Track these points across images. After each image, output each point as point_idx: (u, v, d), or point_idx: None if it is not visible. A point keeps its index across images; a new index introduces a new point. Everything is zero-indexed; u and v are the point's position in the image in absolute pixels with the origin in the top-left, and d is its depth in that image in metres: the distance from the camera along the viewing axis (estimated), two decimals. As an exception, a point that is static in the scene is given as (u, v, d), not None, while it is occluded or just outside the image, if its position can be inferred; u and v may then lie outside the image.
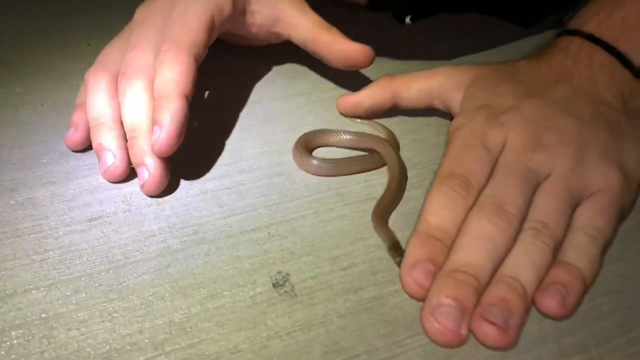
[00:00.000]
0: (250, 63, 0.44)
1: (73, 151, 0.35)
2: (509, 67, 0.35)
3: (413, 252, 0.27)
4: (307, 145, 0.35)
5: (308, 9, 0.38)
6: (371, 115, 0.37)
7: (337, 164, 0.33)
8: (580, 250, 0.27)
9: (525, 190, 0.28)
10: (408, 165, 0.34)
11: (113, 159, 0.32)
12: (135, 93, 0.32)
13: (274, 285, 0.27)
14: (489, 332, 0.24)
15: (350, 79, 0.41)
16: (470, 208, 0.28)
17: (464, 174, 0.29)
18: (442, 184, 0.29)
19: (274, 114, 0.38)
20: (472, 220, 0.27)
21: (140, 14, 0.35)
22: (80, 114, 0.35)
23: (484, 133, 0.30)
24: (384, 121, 0.38)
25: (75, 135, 0.35)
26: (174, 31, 0.32)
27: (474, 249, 0.26)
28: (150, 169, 0.31)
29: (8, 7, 0.54)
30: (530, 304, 0.26)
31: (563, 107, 0.32)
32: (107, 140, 0.33)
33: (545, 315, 0.26)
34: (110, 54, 0.35)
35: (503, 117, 0.31)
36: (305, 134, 0.35)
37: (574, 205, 0.29)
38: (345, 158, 0.34)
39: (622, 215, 0.30)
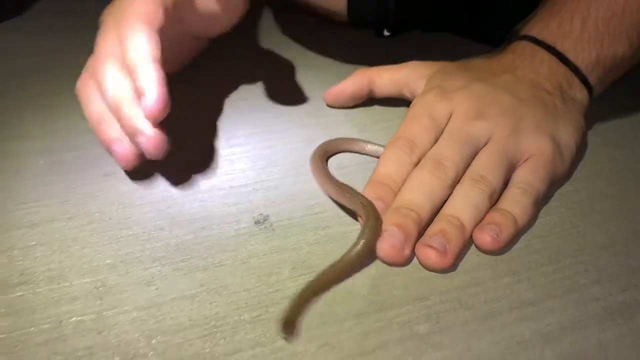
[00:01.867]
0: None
1: (131, 168, 0.34)
2: (466, 63, 0.42)
3: (367, 192, 0.32)
4: (325, 153, 0.37)
5: None
6: (352, 102, 0.43)
7: (337, 189, 0.33)
8: (513, 200, 0.33)
9: (464, 152, 0.34)
10: (379, 141, 0.40)
11: (122, 146, 0.33)
12: (111, 74, 0.33)
13: (255, 222, 0.32)
14: (430, 255, 0.29)
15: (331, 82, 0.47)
16: (414, 165, 0.34)
17: (409, 137, 0.35)
18: (391, 146, 0.35)
19: (263, 106, 0.44)
20: (415, 172, 0.33)
21: (104, 17, 0.36)
22: (106, 127, 0.34)
23: (432, 106, 0.36)
24: (363, 112, 0.43)
25: (122, 147, 0.33)
26: (127, 12, 0.33)
27: (415, 191, 0.32)
28: (147, 131, 0.31)
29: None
30: (468, 238, 0.31)
31: (506, 89, 0.37)
32: (111, 132, 0.33)
33: (481, 250, 0.31)
34: (91, 61, 0.35)
35: (451, 94, 0.37)
36: (324, 142, 0.38)
37: (510, 166, 0.34)
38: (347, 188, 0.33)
39: (553, 177, 0.35)
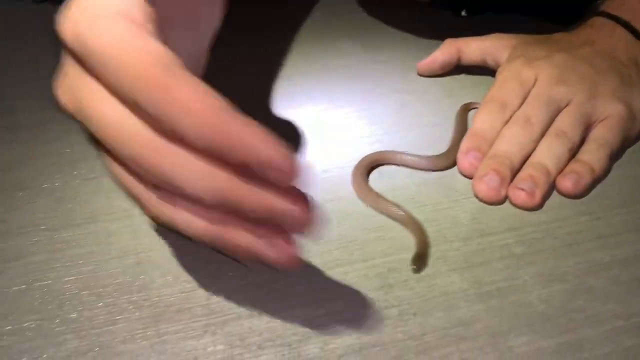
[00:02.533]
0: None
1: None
2: (546, 36, 0.46)
3: (465, 144, 0.38)
4: (366, 167, 0.38)
5: None
6: (442, 70, 0.48)
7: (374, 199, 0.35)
8: (591, 153, 0.38)
9: (548, 112, 0.39)
10: (457, 108, 0.45)
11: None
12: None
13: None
14: (520, 195, 0.35)
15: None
16: (506, 123, 0.39)
17: (501, 99, 0.40)
18: (485, 106, 0.40)
19: (361, 74, 0.50)
20: (507, 127, 0.39)
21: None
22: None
23: (519, 72, 0.41)
24: (450, 79, 0.49)
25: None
26: None
27: (508, 143, 0.37)
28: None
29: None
30: (552, 182, 0.36)
31: (585, 59, 0.42)
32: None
33: (563, 194, 0.36)
34: None
35: (536, 62, 0.42)
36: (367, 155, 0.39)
37: (587, 125, 0.39)
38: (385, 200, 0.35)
39: (626, 136, 0.40)
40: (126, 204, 0.35)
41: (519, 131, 0.38)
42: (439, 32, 0.55)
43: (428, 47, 0.50)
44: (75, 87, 0.24)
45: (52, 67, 0.27)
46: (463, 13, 0.57)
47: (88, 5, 0.23)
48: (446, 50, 0.48)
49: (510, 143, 0.37)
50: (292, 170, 0.22)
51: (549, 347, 0.27)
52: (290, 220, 0.23)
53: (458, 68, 0.49)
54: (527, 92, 0.41)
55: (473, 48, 0.48)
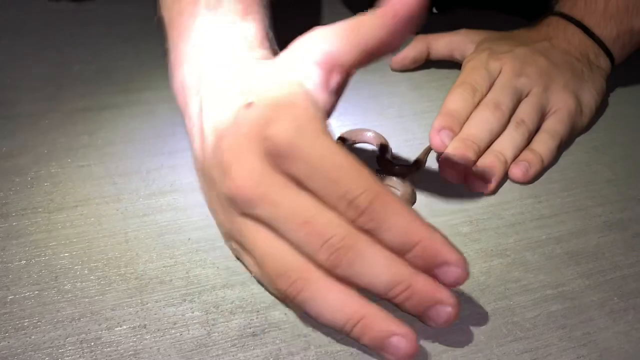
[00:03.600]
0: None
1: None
2: (508, 33, 0.50)
3: (439, 122, 0.42)
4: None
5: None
6: (414, 65, 0.52)
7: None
8: (542, 142, 0.42)
9: (513, 99, 0.43)
10: (431, 97, 0.49)
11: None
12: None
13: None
14: (477, 182, 0.39)
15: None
16: (475, 105, 0.43)
17: (472, 83, 0.44)
18: (457, 88, 0.44)
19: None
20: (479, 110, 0.42)
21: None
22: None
23: (486, 62, 0.45)
24: (419, 73, 0.53)
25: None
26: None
27: (479, 127, 0.41)
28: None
29: None
30: (508, 169, 0.40)
31: (543, 53, 0.46)
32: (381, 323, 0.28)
33: (513, 180, 0.40)
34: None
35: (501, 55, 0.45)
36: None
37: (543, 114, 0.43)
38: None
39: (574, 127, 0.44)
40: (115, 189, 0.39)
41: (490, 116, 0.42)
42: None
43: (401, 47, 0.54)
44: (263, 181, 0.28)
45: (53, 61, 0.30)
46: (433, 10, 0.60)
47: (300, 122, 0.28)
48: (417, 46, 0.52)
49: (481, 127, 0.41)
50: (467, 273, 0.28)
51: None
52: (438, 315, 0.28)
53: (428, 62, 0.53)
54: (493, 81, 0.44)
55: (442, 43, 0.52)
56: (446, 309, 0.28)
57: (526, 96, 0.44)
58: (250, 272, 0.32)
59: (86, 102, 0.48)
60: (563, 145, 0.43)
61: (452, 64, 0.51)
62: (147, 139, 0.44)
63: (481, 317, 0.31)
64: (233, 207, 0.29)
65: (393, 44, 0.30)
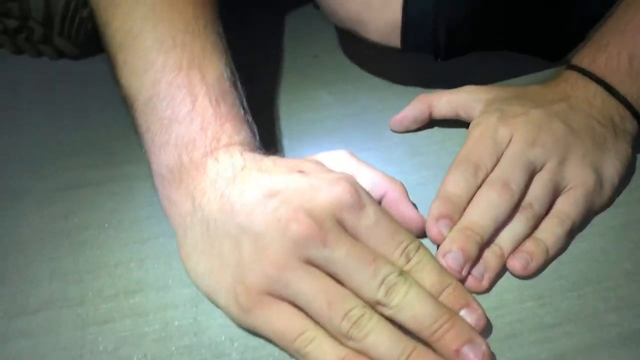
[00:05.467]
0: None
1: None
2: (521, 88, 0.45)
3: (437, 209, 0.37)
4: None
5: None
6: (415, 126, 0.48)
7: None
8: (549, 230, 0.37)
9: (525, 175, 0.38)
10: (429, 165, 0.44)
11: None
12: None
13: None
14: (469, 280, 0.35)
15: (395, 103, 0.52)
16: (478, 186, 0.38)
17: (475, 160, 0.39)
18: (459, 166, 0.39)
19: (327, 129, 0.50)
20: (483, 191, 0.37)
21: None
22: None
23: (495, 129, 0.40)
24: (416, 135, 0.48)
25: None
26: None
27: (483, 214, 0.36)
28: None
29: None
30: (504, 264, 0.36)
31: (560, 117, 0.40)
32: None
33: (512, 274, 0.36)
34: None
35: (512, 119, 0.40)
36: None
37: (556, 193, 0.38)
38: None
39: (591, 208, 0.38)
40: (80, 288, 0.37)
41: (497, 198, 0.37)
42: (416, 77, 0.54)
43: (404, 94, 0.50)
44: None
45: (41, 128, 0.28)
46: (439, 60, 0.55)
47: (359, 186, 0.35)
48: (417, 106, 0.48)
49: (485, 212, 0.36)
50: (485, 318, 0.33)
51: None
52: (475, 353, 0.30)
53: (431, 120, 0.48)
54: (502, 152, 0.40)
55: (444, 102, 0.47)
56: (482, 347, 0.30)
57: (539, 170, 0.39)
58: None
59: (68, 178, 0.46)
60: (574, 231, 0.38)
61: (457, 121, 0.47)
62: (122, 223, 0.41)
63: None
64: (292, 254, 0.32)
65: None
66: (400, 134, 0.48)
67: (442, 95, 0.47)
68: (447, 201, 0.37)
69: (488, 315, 0.33)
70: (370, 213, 0.33)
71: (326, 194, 0.33)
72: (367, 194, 0.34)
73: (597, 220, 0.39)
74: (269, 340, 0.33)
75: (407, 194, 0.38)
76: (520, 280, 0.36)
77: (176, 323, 0.34)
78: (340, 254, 0.31)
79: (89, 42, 0.58)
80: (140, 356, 0.33)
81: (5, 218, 0.42)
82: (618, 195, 0.41)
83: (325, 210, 0.32)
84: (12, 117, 0.53)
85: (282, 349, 0.32)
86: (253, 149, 0.38)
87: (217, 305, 0.34)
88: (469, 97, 0.46)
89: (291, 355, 0.32)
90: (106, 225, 0.41)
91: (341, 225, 0.33)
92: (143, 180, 0.45)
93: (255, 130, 0.40)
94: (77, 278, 0.38)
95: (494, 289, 0.35)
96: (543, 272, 0.36)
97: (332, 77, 0.56)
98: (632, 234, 0.38)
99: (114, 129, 0.51)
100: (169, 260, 0.38)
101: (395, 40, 0.52)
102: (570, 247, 0.37)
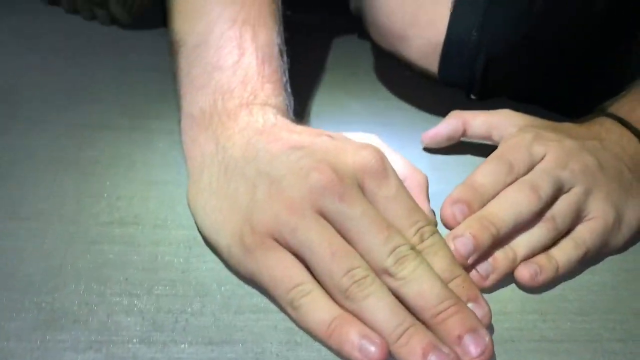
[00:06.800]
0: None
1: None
2: (556, 123, 0.44)
3: (458, 193, 0.36)
4: None
5: None
6: (447, 143, 0.47)
7: None
8: (563, 250, 0.36)
9: (553, 189, 0.37)
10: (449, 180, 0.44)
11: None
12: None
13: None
14: (473, 274, 0.33)
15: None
16: (507, 185, 0.37)
17: (511, 160, 0.38)
18: (493, 160, 0.38)
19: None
20: (512, 188, 0.36)
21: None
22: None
23: (530, 144, 0.39)
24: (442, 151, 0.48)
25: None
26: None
27: (505, 209, 0.35)
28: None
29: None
30: (514, 269, 0.34)
31: (592, 152, 0.40)
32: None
33: (518, 282, 0.34)
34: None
35: (547, 140, 0.40)
36: None
37: (578, 219, 0.37)
38: None
39: (606, 244, 0.37)
40: (75, 209, 0.36)
41: (523, 199, 0.35)
42: (447, 109, 0.54)
43: (435, 122, 0.50)
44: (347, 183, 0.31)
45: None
46: (472, 96, 0.56)
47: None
48: (452, 122, 0.47)
49: (507, 207, 0.35)
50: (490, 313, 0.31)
51: None
52: (477, 342, 0.29)
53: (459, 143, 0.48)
54: (534, 165, 0.39)
55: (480, 122, 0.46)
56: (485, 339, 0.28)
57: (566, 192, 0.38)
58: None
59: (90, 119, 0.46)
60: (588, 260, 0.36)
61: (484, 151, 0.46)
62: (134, 164, 0.41)
63: None
64: (305, 204, 0.30)
65: None
66: (425, 152, 0.48)
67: (478, 115, 0.46)
68: (470, 188, 0.36)
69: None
70: (392, 185, 0.33)
71: (352, 154, 0.32)
72: (392, 167, 0.34)
73: (611, 260, 0.38)
74: (260, 290, 0.31)
75: (428, 187, 0.38)
76: (524, 293, 0.34)
77: (166, 258, 0.33)
78: (355, 212, 0.30)
79: (141, 19, 0.61)
80: (120, 279, 0.31)
81: (21, 140, 0.42)
82: (635, 243, 0.40)
83: (349, 169, 0.32)
84: (53, 61, 0.54)
85: (275, 298, 0.30)
86: (286, 116, 0.38)
87: (217, 247, 0.33)
88: (505, 120, 0.45)
89: (283, 307, 0.30)
90: (117, 163, 0.41)
91: (361, 189, 0.32)
92: (164, 135, 0.45)
93: (292, 102, 0.40)
94: (75, 201, 0.37)
95: (496, 296, 0.34)
96: (549, 293, 0.34)
97: (366, 93, 0.56)
98: (645, 279, 0.37)
99: (145, 89, 0.52)
100: (173, 204, 0.37)
101: (433, 63, 0.53)
102: (580, 277, 0.36)
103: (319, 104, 0.54)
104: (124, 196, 0.38)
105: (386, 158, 0.33)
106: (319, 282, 0.30)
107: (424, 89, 0.57)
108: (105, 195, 0.38)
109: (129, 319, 0.29)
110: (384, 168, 0.33)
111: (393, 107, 0.54)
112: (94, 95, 0.49)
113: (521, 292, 0.34)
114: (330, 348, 0.29)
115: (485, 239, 0.33)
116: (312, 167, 0.31)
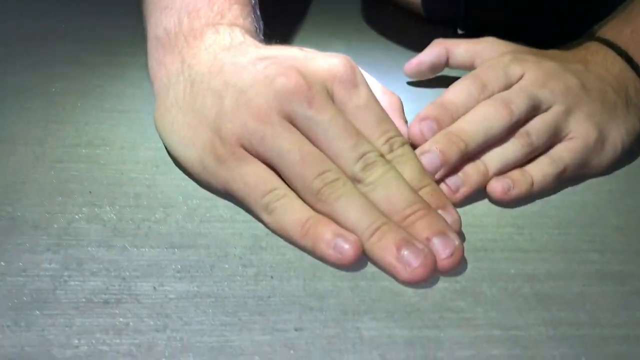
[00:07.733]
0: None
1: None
2: (540, 50, 0.43)
3: (426, 111, 0.35)
4: None
5: None
6: (431, 73, 0.45)
7: None
8: (539, 166, 0.35)
9: (528, 105, 0.35)
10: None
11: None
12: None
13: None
14: (443, 187, 0.32)
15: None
16: (479, 102, 0.35)
17: (484, 79, 0.37)
18: (466, 79, 0.37)
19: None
20: (483, 104, 0.35)
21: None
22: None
23: (507, 65, 0.38)
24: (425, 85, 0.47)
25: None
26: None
27: (474, 123, 0.34)
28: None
29: None
30: (485, 184, 0.33)
31: (574, 73, 0.38)
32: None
33: (491, 198, 0.33)
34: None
35: (525, 61, 0.38)
36: None
37: (556, 138, 0.36)
38: None
39: (586, 164, 0.36)
40: (42, 134, 0.35)
41: (494, 112, 0.34)
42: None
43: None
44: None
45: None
46: (459, 31, 0.55)
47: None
48: (434, 51, 0.46)
49: (478, 123, 0.34)
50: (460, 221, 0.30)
51: (403, 337, 0.24)
52: (446, 244, 0.28)
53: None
54: (510, 85, 0.37)
55: (463, 49, 0.45)
56: (454, 241, 0.28)
57: (544, 112, 0.36)
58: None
59: (64, 55, 0.45)
60: (567, 179, 0.35)
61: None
62: (104, 95, 0.40)
63: (395, 343, 0.24)
64: (272, 110, 0.30)
65: None
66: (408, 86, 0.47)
67: (461, 43, 0.45)
68: (440, 106, 0.35)
69: (463, 230, 0.31)
70: (362, 94, 0.32)
71: (321, 62, 0.32)
72: (363, 77, 0.33)
73: (593, 182, 0.37)
74: (231, 202, 0.31)
75: (403, 110, 0.37)
76: (501, 208, 0.33)
77: (132, 175, 0.32)
78: (323, 118, 0.30)
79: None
80: (83, 192, 0.30)
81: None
82: (619, 164, 0.39)
83: (318, 75, 0.31)
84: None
85: (249, 205, 0.30)
86: (255, 38, 0.37)
87: (188, 162, 0.32)
88: (489, 47, 0.43)
89: (257, 214, 0.30)
90: (88, 94, 0.40)
91: (330, 97, 0.31)
92: (137, 69, 0.44)
93: (262, 26, 0.39)
94: (43, 125, 0.36)
95: (470, 210, 0.33)
96: (528, 208, 0.33)
97: (351, 35, 0.55)
98: (628, 199, 0.36)
99: (119, 29, 0.50)
100: (142, 129, 0.36)
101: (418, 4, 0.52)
102: (560, 196, 0.35)
103: (303, 44, 0.53)
104: (92, 122, 0.37)
105: (357, 68, 0.32)
106: (291, 188, 0.29)
107: (411, 30, 0.56)
108: (74, 120, 0.37)
109: (89, 226, 0.28)
110: (354, 77, 0.32)
111: (379, 47, 0.53)
112: (68, 33, 0.48)
113: (498, 207, 0.33)
114: (304, 248, 0.28)
115: (453, 154, 0.32)
116: (278, 73, 0.30)
